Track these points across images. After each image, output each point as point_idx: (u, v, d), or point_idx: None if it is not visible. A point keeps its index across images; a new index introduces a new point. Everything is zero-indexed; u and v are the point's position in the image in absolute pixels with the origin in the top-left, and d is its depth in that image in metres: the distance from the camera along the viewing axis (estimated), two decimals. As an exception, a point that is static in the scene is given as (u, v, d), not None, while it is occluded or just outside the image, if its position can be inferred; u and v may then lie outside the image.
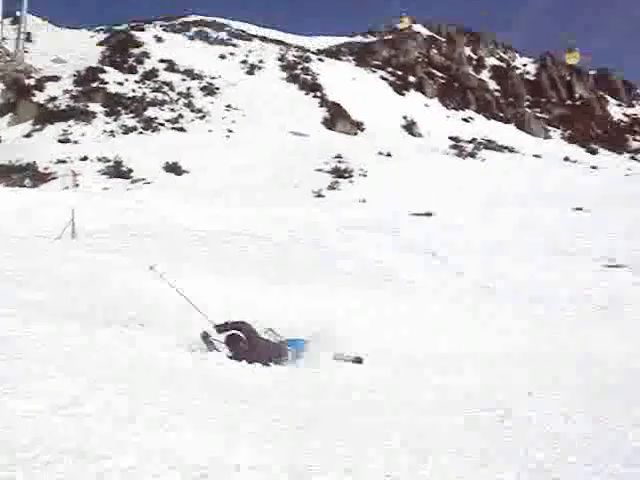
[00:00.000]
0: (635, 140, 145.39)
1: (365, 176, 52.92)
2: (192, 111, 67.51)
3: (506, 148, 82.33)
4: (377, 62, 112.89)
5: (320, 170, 53.04)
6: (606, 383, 11.65)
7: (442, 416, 8.02)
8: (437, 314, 16.66)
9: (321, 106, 76.95)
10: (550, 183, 59.02)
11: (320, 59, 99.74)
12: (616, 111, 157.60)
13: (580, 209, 44.21)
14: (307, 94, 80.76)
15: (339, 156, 57.71)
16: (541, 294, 22.87)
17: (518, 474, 5.88)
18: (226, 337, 10.24)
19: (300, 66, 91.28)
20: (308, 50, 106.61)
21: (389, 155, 62.14)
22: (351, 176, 52.06)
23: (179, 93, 72.50)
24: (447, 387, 9.85)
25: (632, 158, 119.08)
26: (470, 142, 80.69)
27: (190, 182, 46.10)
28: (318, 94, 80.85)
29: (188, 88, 73.95)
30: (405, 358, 12.27)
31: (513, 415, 8.22)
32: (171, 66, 79.33)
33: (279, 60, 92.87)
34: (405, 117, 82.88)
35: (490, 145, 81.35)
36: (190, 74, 78.27)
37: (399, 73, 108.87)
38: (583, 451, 6.80)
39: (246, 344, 10.03)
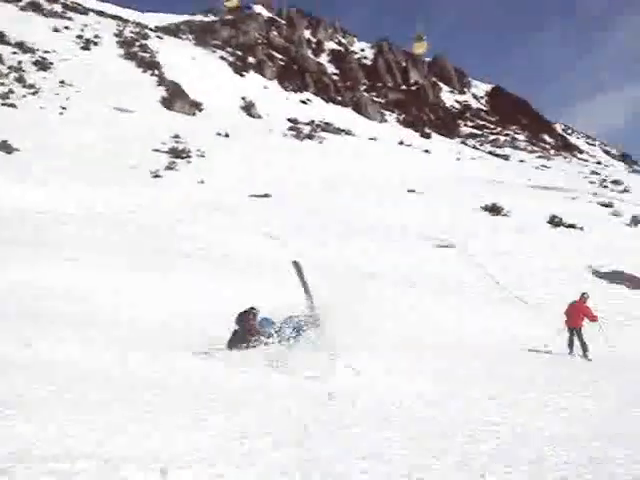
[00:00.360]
0: (466, 126, 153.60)
1: (203, 157, 53.33)
2: (24, 86, 64.85)
3: (343, 131, 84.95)
4: (217, 42, 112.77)
5: (157, 150, 52.85)
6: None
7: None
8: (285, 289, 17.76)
9: (159, 85, 76.03)
10: (385, 166, 61.87)
11: (159, 37, 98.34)
12: (448, 97, 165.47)
13: (413, 191, 46.76)
14: (145, 72, 79.44)
15: (177, 136, 57.77)
16: (372, 271, 24.58)
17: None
18: (239, 313, 11.34)
19: (138, 43, 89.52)
20: (147, 27, 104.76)
21: (227, 136, 62.77)
22: (189, 157, 52.30)
23: (9, 67, 69.33)
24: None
25: (463, 143, 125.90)
26: (308, 124, 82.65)
27: (22, 161, 44.72)
28: (156, 72, 79.79)
29: (19, 62, 70.84)
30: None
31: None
32: (0, 38, 75.69)
33: (116, 36, 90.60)
34: (244, 98, 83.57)
35: (328, 128, 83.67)
36: (21, 47, 74.97)
37: (239, 54, 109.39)
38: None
39: (255, 319, 11.22)
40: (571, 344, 17.00)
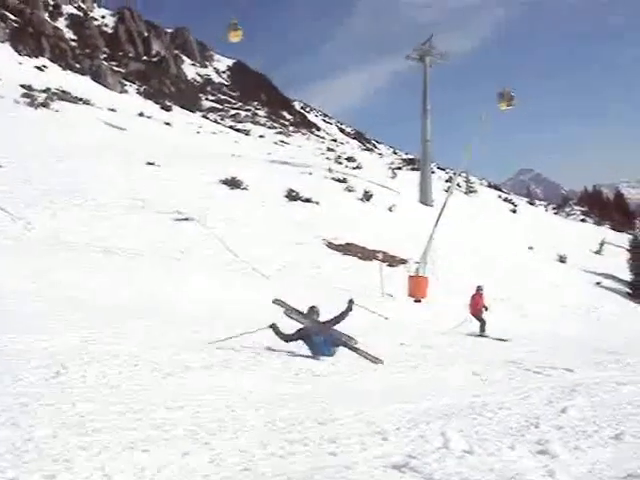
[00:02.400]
0: (207, 99, 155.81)
1: None
2: None
3: (81, 100, 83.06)
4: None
5: None
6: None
7: None
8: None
9: None
10: (124, 137, 61.94)
11: None
12: (190, 70, 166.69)
13: (152, 164, 47.24)
14: None
15: None
16: (120, 246, 25.29)
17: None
18: (308, 308, 11.59)
19: None
20: None
21: (-47, 102, 59.46)
22: None
23: None
24: None
25: (204, 117, 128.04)
26: (44, 92, 79.74)
27: None
28: None
29: None
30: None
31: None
32: None
33: None
34: (-30, 62, 78.69)
35: (65, 96, 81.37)
36: None
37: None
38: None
39: (318, 316, 11.50)
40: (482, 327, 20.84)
